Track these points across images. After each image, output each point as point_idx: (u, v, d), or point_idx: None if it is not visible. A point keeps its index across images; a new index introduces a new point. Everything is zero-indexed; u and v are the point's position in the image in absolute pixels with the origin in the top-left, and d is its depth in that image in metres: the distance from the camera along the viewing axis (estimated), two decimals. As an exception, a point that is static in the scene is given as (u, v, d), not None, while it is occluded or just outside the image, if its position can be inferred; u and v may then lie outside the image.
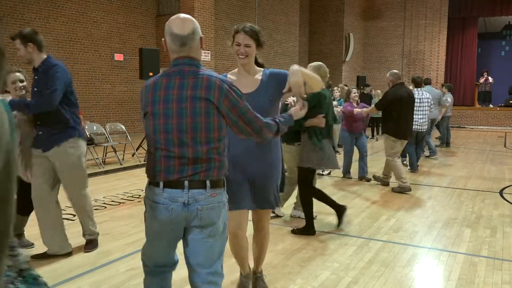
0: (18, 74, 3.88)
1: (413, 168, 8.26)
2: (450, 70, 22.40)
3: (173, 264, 2.38)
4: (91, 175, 7.46)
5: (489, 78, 20.31)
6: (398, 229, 4.81)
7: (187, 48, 2.12)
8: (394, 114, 6.39)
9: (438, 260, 3.96)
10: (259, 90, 2.79)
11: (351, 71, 21.52)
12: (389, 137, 6.50)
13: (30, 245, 4.17)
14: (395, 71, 6.78)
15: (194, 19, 2.18)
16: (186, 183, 2.07)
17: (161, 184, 2.09)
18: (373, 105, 6.78)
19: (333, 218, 5.09)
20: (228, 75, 2.87)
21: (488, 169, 8.72)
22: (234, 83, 2.22)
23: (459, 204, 5.91)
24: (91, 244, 4.15)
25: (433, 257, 4.05)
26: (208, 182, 2.10)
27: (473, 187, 7.01)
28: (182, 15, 2.18)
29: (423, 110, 7.73)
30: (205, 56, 13.63)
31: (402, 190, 6.47)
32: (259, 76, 2.84)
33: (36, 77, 3.78)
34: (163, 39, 2.19)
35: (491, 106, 20.20)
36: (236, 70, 2.93)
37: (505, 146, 12.90)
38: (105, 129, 9.05)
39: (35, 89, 3.76)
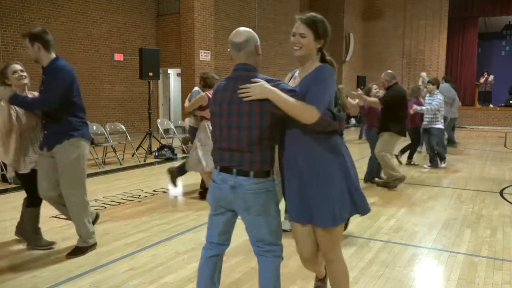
0: (16, 65, 3.90)
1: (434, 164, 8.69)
2: (450, 70, 22.37)
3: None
4: (91, 175, 7.46)
5: (491, 76, 20.27)
6: (398, 229, 4.81)
7: (241, 54, 2.39)
8: (401, 113, 6.50)
9: (438, 260, 3.96)
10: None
11: (351, 71, 21.51)
12: (393, 135, 6.51)
13: (49, 244, 4.09)
14: (389, 71, 6.94)
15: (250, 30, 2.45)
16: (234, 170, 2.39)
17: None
18: (375, 99, 6.79)
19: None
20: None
21: (488, 169, 8.71)
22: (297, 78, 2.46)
23: (459, 204, 5.91)
24: (74, 250, 3.90)
25: (433, 257, 4.04)
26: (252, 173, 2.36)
27: (473, 187, 7.00)
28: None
29: None
30: (205, 56, 13.62)
31: (386, 185, 6.62)
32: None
33: (43, 76, 3.76)
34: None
35: (491, 106, 20.18)
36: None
37: (505, 146, 12.88)
38: (105, 129, 9.05)
39: (41, 88, 3.75)
